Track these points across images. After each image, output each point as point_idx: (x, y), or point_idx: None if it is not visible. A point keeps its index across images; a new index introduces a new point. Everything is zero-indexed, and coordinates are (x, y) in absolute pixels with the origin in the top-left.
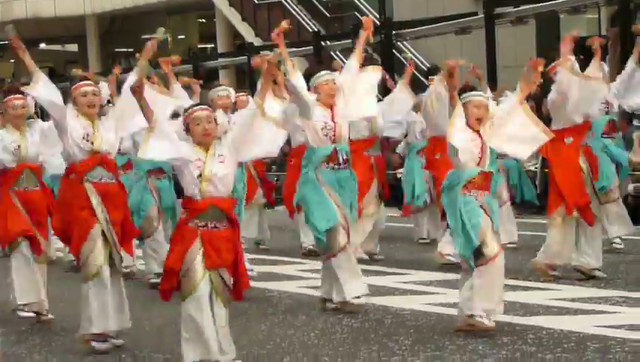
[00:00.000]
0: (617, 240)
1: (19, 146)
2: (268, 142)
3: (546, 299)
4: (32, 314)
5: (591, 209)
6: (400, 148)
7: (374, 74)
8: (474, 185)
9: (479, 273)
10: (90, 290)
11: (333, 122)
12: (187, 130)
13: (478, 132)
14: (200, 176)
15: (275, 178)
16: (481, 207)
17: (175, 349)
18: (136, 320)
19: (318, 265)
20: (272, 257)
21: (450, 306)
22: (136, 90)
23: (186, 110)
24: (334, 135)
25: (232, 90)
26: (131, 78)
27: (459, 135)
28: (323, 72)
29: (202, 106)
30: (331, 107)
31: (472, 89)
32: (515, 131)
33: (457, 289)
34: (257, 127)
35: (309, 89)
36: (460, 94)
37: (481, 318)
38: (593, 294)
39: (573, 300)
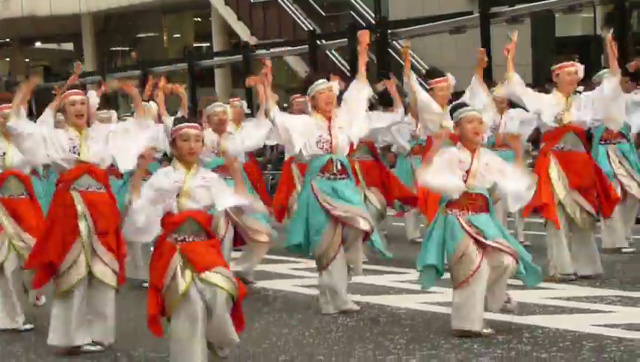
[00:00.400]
0: (625, 245)
1: (4, 153)
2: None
3: (541, 298)
4: (29, 326)
5: (553, 210)
6: (394, 147)
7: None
8: (456, 205)
9: (458, 292)
10: (56, 306)
11: (330, 135)
12: (173, 144)
13: (473, 151)
14: (178, 194)
15: (271, 177)
16: (462, 225)
17: None
18: (131, 319)
19: (312, 263)
20: (266, 256)
21: (445, 305)
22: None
23: (175, 124)
24: (330, 147)
25: (227, 107)
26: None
27: (436, 175)
28: (321, 81)
29: (192, 124)
30: (329, 118)
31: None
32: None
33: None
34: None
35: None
36: (452, 111)
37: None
38: (589, 293)
39: (568, 299)
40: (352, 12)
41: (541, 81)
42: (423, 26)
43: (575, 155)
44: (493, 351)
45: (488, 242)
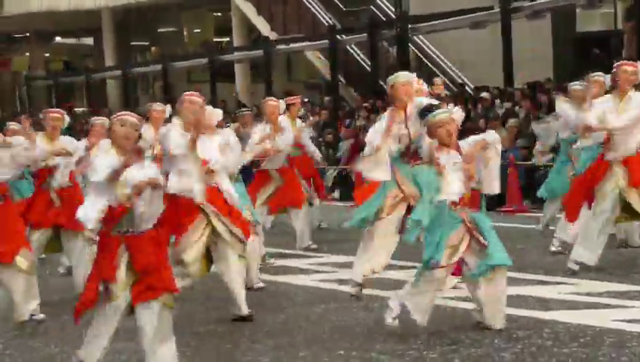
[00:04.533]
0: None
1: None
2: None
3: (562, 294)
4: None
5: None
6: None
7: None
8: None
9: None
10: None
11: (407, 127)
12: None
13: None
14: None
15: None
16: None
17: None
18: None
19: (333, 258)
20: (286, 251)
21: (466, 300)
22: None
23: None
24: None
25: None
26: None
27: None
28: (403, 73)
29: (128, 113)
30: (404, 109)
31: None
32: None
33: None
34: None
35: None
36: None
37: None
38: (609, 288)
39: (589, 294)
40: (372, 7)
41: (561, 76)
42: (443, 20)
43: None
44: (513, 346)
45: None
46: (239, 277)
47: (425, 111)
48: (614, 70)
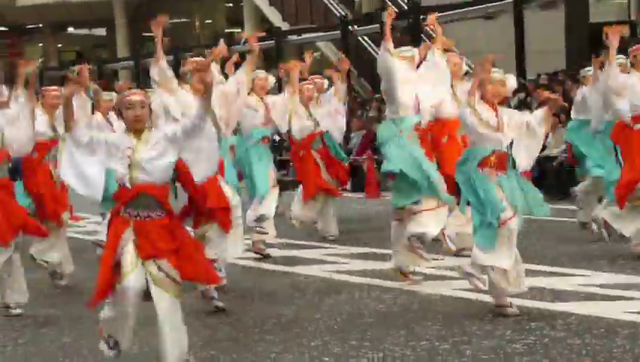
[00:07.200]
0: None
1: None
2: (205, 163)
3: (574, 285)
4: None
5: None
6: None
7: None
8: (488, 164)
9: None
10: None
11: None
12: (120, 114)
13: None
14: (130, 164)
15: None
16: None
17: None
18: None
19: (343, 249)
20: (297, 241)
21: (478, 291)
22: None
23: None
24: None
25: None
26: None
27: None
28: None
29: (136, 91)
30: None
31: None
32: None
33: (486, 275)
34: (204, 136)
35: None
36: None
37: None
38: (622, 280)
39: (602, 286)
40: None
41: (574, 67)
42: (456, 11)
43: None
44: (526, 337)
45: None
46: None
47: None
48: (634, 54)
